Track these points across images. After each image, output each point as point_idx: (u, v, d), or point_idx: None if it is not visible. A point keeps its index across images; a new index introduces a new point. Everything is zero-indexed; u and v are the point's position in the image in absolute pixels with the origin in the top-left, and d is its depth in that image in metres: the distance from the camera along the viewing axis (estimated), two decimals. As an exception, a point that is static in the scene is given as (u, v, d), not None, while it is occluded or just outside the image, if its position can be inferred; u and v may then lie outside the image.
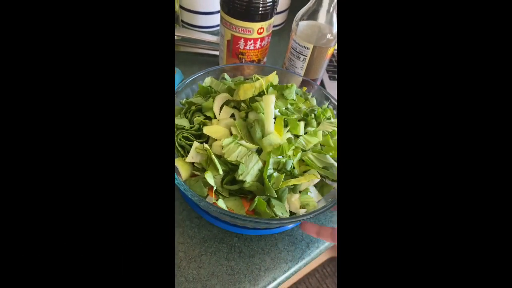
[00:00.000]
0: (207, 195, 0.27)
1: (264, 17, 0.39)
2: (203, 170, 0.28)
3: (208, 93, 0.34)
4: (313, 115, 0.33)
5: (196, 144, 0.28)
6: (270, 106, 0.27)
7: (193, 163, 0.28)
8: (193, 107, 0.32)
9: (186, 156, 0.28)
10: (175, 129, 0.29)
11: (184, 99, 0.34)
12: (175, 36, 0.55)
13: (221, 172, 0.26)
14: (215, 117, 0.31)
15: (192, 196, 0.24)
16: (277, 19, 0.63)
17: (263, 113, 0.28)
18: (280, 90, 0.33)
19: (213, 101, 0.31)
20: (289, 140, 0.28)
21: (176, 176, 0.25)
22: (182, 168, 0.27)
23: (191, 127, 0.30)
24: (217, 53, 0.55)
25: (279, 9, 0.61)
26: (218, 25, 0.61)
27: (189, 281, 0.29)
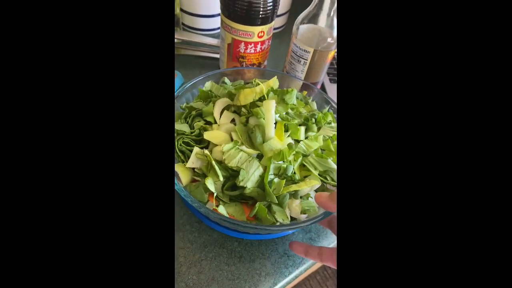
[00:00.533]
0: (208, 200, 0.27)
1: (265, 20, 0.39)
2: (204, 175, 0.28)
3: (209, 98, 0.34)
4: (313, 120, 0.33)
5: (196, 149, 0.28)
6: (270, 111, 0.27)
7: (193, 168, 0.28)
8: (193, 112, 0.32)
9: (187, 162, 0.28)
10: (176, 135, 0.29)
11: (185, 104, 0.34)
12: (176, 39, 0.55)
13: (221, 178, 0.26)
14: (215, 122, 0.31)
15: (192, 202, 0.24)
16: (277, 22, 0.63)
17: (264, 118, 0.28)
18: (280, 95, 0.33)
19: (213, 106, 0.31)
20: (289, 145, 0.28)
21: (176, 181, 0.25)
22: (182, 173, 0.27)
23: (192, 132, 0.30)
24: (218, 56, 0.55)
25: (279, 11, 0.61)
26: (219, 28, 0.61)
27: (189, 287, 0.29)
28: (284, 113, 0.31)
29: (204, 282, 0.30)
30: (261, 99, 0.30)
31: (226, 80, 0.38)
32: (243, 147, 0.27)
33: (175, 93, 0.33)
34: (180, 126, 0.30)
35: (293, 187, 0.26)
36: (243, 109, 0.30)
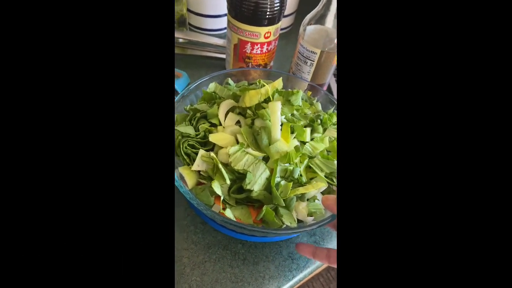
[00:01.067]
0: (214, 203, 0.26)
1: (271, 21, 0.39)
2: (210, 178, 0.27)
3: (212, 99, 0.34)
4: (319, 121, 0.32)
5: (202, 152, 0.28)
6: (276, 113, 0.27)
7: (199, 171, 0.28)
8: (198, 114, 0.32)
9: (192, 164, 0.28)
10: (181, 137, 0.29)
11: (189, 106, 0.34)
12: (182, 39, 0.55)
13: (228, 182, 0.25)
14: (220, 124, 0.31)
15: (198, 205, 0.24)
16: (284, 22, 0.63)
17: (269, 120, 0.28)
18: (285, 96, 0.32)
19: (218, 108, 0.31)
20: (296, 148, 0.28)
21: (182, 184, 0.25)
22: (188, 176, 0.27)
23: (197, 135, 0.30)
24: (224, 56, 0.54)
25: (286, 12, 0.60)
26: (225, 28, 0.61)
27: (193, 288, 0.29)
28: (290, 114, 0.30)
29: (207, 284, 0.29)
30: (267, 100, 0.30)
31: (230, 81, 0.38)
32: (249, 150, 0.26)
33: (180, 94, 0.33)
34: (185, 128, 0.30)
35: (301, 190, 0.26)
36: (248, 111, 0.30)
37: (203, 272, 0.30)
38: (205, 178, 0.28)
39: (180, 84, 0.46)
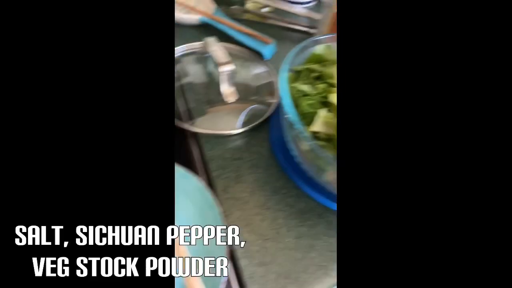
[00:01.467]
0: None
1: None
2: (327, 140, 0.26)
3: (321, 61, 0.33)
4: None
5: (323, 112, 0.26)
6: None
7: (315, 133, 0.27)
8: (314, 73, 0.30)
9: (309, 125, 0.26)
10: (300, 95, 0.28)
11: (299, 66, 0.33)
12: (269, 8, 0.54)
13: None
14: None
15: (326, 157, 0.22)
16: None
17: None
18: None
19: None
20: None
21: (312, 137, 0.24)
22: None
23: (316, 94, 0.28)
24: (310, 30, 0.53)
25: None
26: (311, 1, 0.59)
27: (289, 249, 0.29)
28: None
29: (303, 248, 0.29)
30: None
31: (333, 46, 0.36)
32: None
33: (294, 51, 0.31)
34: (303, 86, 0.28)
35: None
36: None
37: (299, 236, 0.30)
38: (322, 140, 0.26)
39: (268, 50, 0.46)
